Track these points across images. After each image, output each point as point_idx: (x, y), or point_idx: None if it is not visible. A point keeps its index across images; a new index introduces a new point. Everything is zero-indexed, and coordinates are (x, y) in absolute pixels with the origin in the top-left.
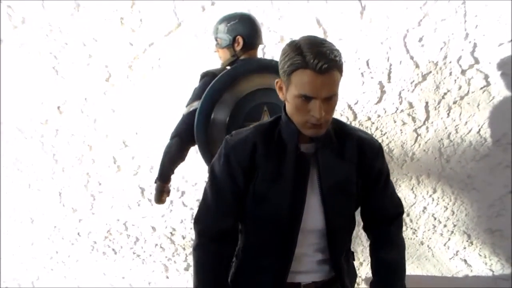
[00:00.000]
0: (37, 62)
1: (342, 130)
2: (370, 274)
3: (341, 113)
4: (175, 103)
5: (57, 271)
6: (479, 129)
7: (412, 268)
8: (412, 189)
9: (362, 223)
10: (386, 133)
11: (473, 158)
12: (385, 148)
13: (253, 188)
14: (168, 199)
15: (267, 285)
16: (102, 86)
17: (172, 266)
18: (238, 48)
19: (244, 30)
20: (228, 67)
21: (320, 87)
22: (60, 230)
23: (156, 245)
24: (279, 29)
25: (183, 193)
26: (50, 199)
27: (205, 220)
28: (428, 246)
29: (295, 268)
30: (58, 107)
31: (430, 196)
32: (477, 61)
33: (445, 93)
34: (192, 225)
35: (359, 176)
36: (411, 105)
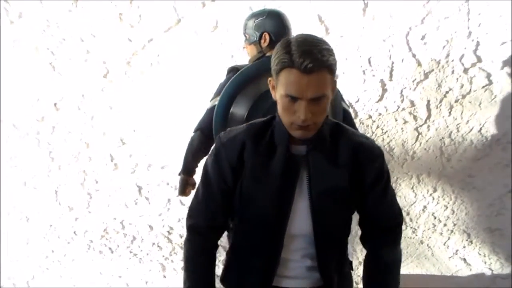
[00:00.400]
0: (34, 58)
1: (339, 134)
2: None
3: None
4: (174, 100)
5: (53, 270)
6: (480, 128)
7: (411, 267)
8: (412, 188)
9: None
10: (387, 131)
11: (474, 157)
12: (385, 146)
13: (240, 187)
14: (165, 198)
15: (253, 286)
16: (100, 83)
17: (169, 265)
18: (264, 44)
19: (271, 27)
20: None
21: (306, 87)
22: (56, 229)
23: (153, 244)
24: None
25: None
26: (46, 197)
27: (195, 216)
28: (427, 245)
29: (282, 272)
30: (55, 104)
31: (431, 195)
32: (479, 60)
33: (447, 92)
34: None
35: (353, 183)
36: (412, 104)
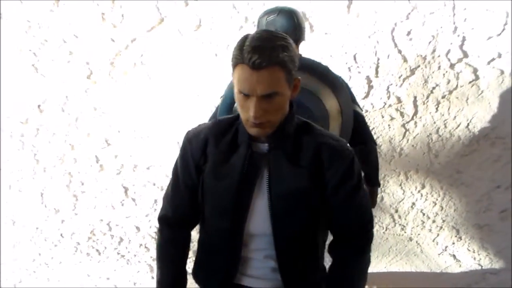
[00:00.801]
0: (16, 60)
1: (305, 134)
2: None
3: None
4: (159, 100)
5: (40, 273)
6: (468, 124)
7: (401, 265)
8: (400, 185)
9: None
10: (374, 128)
11: (462, 153)
12: None
13: (202, 182)
14: (152, 198)
15: (217, 283)
16: (84, 84)
17: None
18: None
19: (282, 25)
20: None
21: (255, 84)
22: (43, 232)
23: (141, 245)
24: None
25: None
26: (31, 200)
27: (165, 208)
28: (416, 242)
29: (245, 271)
30: (39, 106)
31: (419, 191)
32: (466, 55)
33: (433, 88)
34: None
35: (316, 184)
36: (399, 100)
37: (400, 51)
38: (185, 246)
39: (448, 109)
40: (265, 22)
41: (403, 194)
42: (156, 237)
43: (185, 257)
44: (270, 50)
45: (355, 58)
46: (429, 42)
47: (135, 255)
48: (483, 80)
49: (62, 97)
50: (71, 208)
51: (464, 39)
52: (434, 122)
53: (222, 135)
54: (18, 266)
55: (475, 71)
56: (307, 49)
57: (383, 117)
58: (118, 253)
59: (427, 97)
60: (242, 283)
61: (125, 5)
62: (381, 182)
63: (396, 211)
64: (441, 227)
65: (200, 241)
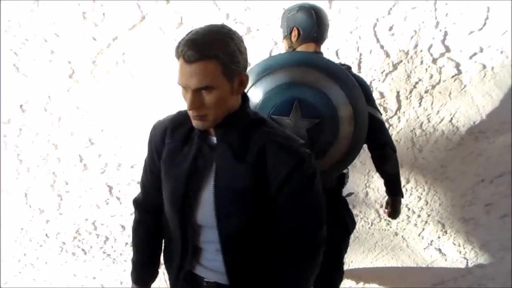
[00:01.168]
0: None
1: (256, 131)
2: None
3: None
4: (141, 98)
5: (26, 274)
6: (451, 118)
7: (387, 260)
8: None
9: None
10: None
11: (446, 147)
12: None
13: (160, 171)
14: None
15: (175, 270)
16: (66, 83)
17: None
18: (294, 39)
19: (301, 21)
20: None
21: (189, 77)
22: (28, 232)
23: (127, 243)
24: (246, 21)
25: None
26: (15, 201)
27: (139, 193)
28: (402, 236)
29: (200, 261)
30: (21, 106)
31: (404, 186)
32: (448, 50)
33: (416, 82)
34: None
35: (261, 183)
36: (382, 95)
37: (382, 47)
38: (156, 230)
39: (431, 103)
40: (286, 18)
41: None
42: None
43: (156, 240)
44: (204, 44)
45: (337, 54)
46: (411, 37)
47: (121, 254)
48: (466, 74)
49: (45, 96)
50: (55, 208)
51: (446, 33)
52: (418, 117)
53: (180, 125)
54: (3, 267)
55: (457, 65)
56: None
57: None
58: (104, 252)
59: (410, 92)
60: (197, 272)
61: (106, 3)
62: (365, 177)
63: (381, 206)
64: (426, 222)
65: (164, 228)
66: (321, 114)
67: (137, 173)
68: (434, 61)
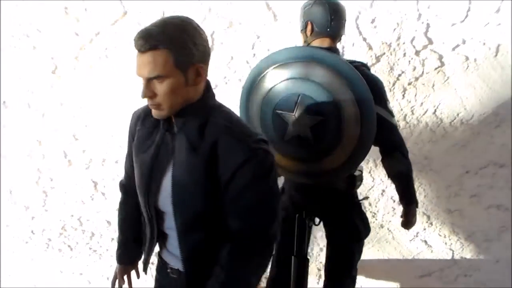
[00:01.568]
0: None
1: (214, 123)
2: None
3: None
4: (124, 93)
5: (12, 271)
6: (435, 110)
7: (372, 252)
8: (370, 172)
9: None
10: None
11: (430, 139)
12: None
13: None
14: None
15: (146, 253)
16: (49, 79)
17: None
18: (308, 33)
19: (315, 16)
20: None
21: (141, 67)
22: (13, 229)
23: (112, 239)
24: (228, 14)
25: None
26: (1, 198)
27: (123, 176)
28: (388, 229)
29: (166, 246)
30: (4, 102)
31: (388, 178)
32: (430, 42)
33: (399, 75)
34: None
35: (211, 177)
36: None
37: (365, 39)
38: (138, 211)
39: (415, 95)
40: (302, 11)
41: (372, 181)
42: None
43: (137, 221)
44: (154, 35)
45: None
46: (394, 30)
47: (107, 250)
48: (449, 66)
49: (28, 92)
50: (41, 204)
51: (428, 26)
52: (401, 109)
53: (151, 113)
54: None
55: (440, 57)
56: (272, 38)
57: None
58: (90, 248)
59: (394, 84)
60: (164, 257)
61: None
62: None
63: (366, 198)
64: None
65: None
66: (325, 112)
67: (122, 168)
68: (417, 53)
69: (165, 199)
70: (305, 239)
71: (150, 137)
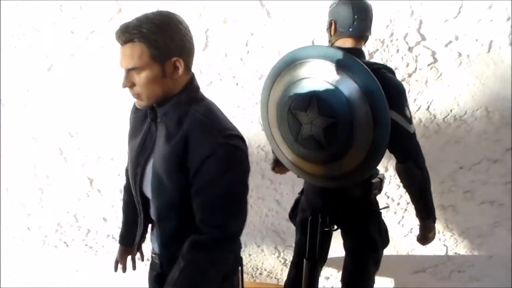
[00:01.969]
0: None
1: (191, 116)
2: None
3: None
4: (120, 91)
5: (9, 268)
6: (428, 106)
7: None
8: None
9: None
10: None
11: (423, 135)
12: None
13: None
14: (117, 189)
15: (139, 237)
16: (45, 77)
17: None
18: (332, 33)
19: (338, 15)
20: None
21: (122, 58)
22: (10, 226)
23: (108, 235)
24: (222, 11)
25: None
26: None
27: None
28: None
29: (153, 231)
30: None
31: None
32: (423, 38)
33: None
34: None
35: (182, 168)
36: None
37: None
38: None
39: (408, 92)
40: (329, 10)
41: None
42: None
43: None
44: (131, 28)
45: (313, 44)
46: (387, 26)
47: (103, 246)
48: (442, 62)
49: (24, 90)
50: (37, 201)
51: (421, 22)
52: None
53: None
54: None
55: (433, 53)
56: (265, 36)
57: None
58: (86, 245)
59: None
60: (151, 243)
61: None
62: None
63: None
64: (405, 209)
65: None
66: (336, 114)
67: (117, 166)
68: (410, 49)
69: (148, 186)
70: (316, 242)
71: (141, 125)
